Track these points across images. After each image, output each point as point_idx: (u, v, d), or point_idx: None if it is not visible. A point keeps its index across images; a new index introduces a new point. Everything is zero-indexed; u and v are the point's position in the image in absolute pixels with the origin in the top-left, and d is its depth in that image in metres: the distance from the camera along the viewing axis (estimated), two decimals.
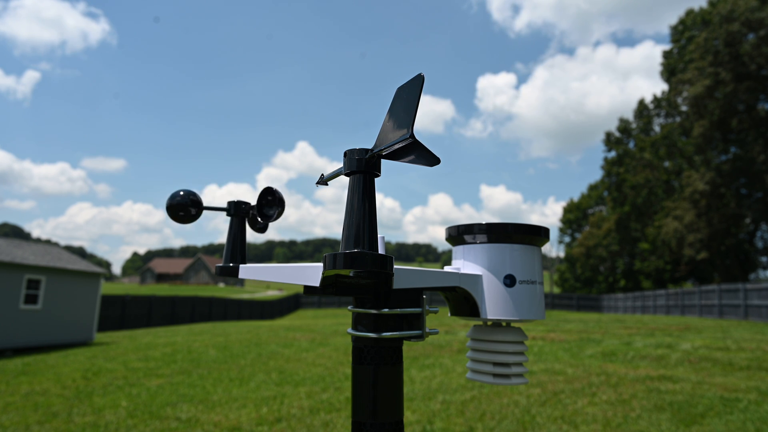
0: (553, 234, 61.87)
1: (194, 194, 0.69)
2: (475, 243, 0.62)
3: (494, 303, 0.60)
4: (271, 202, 0.77)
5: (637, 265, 42.40)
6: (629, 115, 60.16)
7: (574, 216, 54.20)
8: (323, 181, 0.63)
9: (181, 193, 0.68)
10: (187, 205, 0.67)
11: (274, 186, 0.76)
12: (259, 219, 0.78)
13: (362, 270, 0.51)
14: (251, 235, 0.83)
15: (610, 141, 44.11)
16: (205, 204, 0.75)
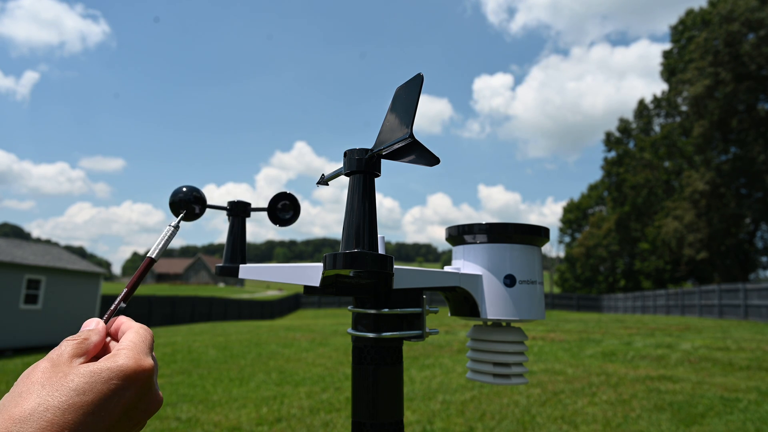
0: (553, 234, 61.90)
1: (197, 190, 0.67)
2: (475, 243, 0.62)
3: (494, 303, 0.60)
4: (287, 207, 0.78)
5: (637, 265, 42.40)
6: (626, 114, 60.28)
7: (574, 216, 54.19)
8: (324, 181, 0.63)
9: (184, 189, 0.66)
10: (191, 203, 0.65)
11: (276, 186, 0.76)
12: (276, 224, 0.79)
13: (362, 270, 0.51)
14: (251, 235, 0.83)
15: (610, 141, 44.10)
16: (207, 201, 0.74)
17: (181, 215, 0.64)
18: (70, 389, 0.40)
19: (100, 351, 0.47)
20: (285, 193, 0.80)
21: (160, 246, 0.57)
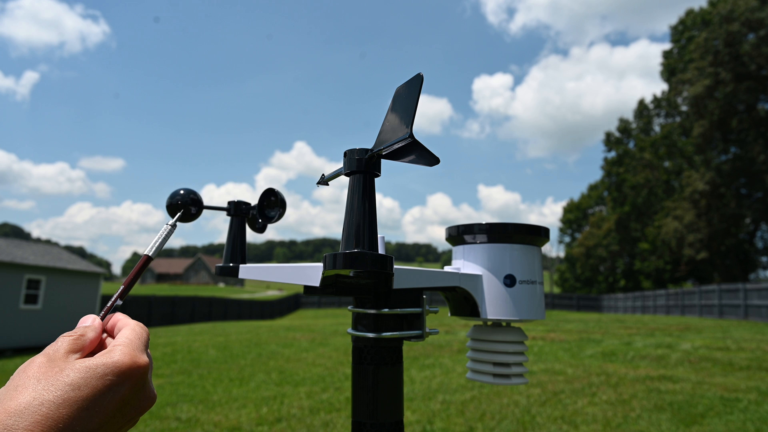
0: (553, 234, 61.89)
1: (194, 193, 0.69)
2: (476, 243, 0.62)
3: (494, 303, 0.60)
4: (273, 203, 0.77)
5: (637, 265, 42.39)
6: (625, 114, 60.24)
7: (574, 216, 54.19)
8: (324, 181, 0.63)
9: (181, 191, 0.68)
10: (187, 204, 0.68)
11: (275, 187, 0.77)
12: (260, 220, 0.79)
13: (362, 270, 0.51)
14: (251, 235, 0.83)
15: (610, 141, 44.11)
16: (204, 203, 0.75)
17: (178, 215, 0.65)
18: (66, 384, 0.41)
19: (96, 347, 0.49)
20: (271, 189, 0.79)
21: (157, 244, 0.58)
